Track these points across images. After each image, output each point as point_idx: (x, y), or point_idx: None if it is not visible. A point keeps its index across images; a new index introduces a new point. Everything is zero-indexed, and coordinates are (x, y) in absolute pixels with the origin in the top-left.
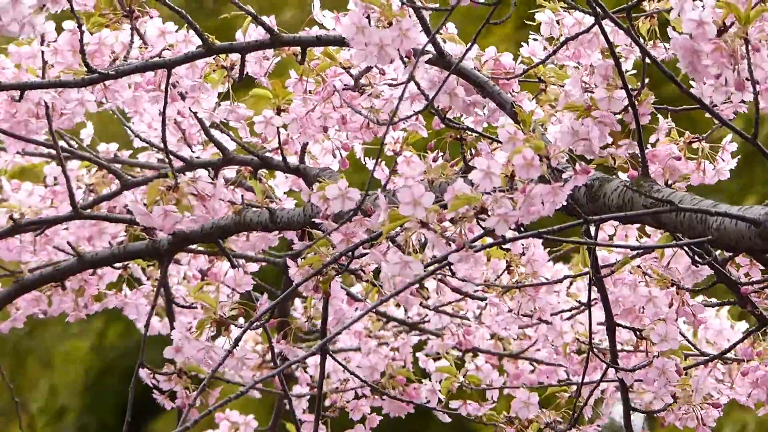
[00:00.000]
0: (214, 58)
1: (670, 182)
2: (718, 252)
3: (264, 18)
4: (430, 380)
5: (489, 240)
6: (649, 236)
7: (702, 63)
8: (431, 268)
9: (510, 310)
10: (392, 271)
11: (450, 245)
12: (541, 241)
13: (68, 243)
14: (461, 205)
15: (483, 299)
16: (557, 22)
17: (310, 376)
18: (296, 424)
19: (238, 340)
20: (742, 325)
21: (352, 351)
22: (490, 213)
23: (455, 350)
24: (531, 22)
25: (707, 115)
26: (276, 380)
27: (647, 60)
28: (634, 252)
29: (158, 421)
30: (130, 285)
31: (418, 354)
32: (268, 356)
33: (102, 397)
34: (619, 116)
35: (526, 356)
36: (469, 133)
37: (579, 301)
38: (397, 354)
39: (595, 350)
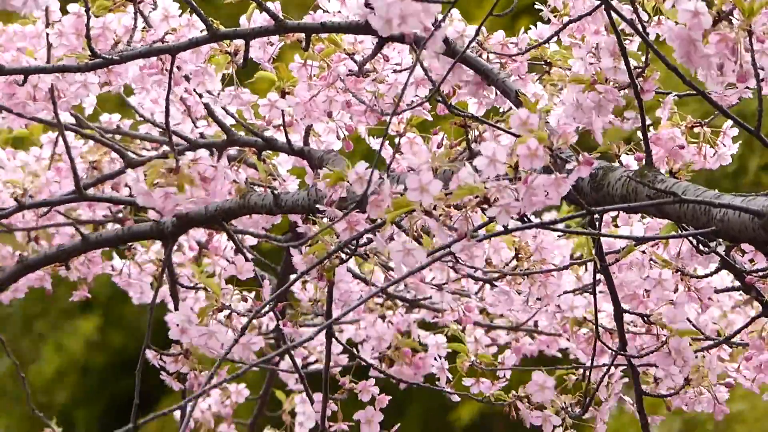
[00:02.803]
0: (218, 44)
1: (674, 171)
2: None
3: (269, 4)
4: (437, 358)
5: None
6: (651, 217)
7: (698, 53)
8: (434, 256)
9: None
10: (396, 258)
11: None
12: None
13: (73, 225)
14: (464, 195)
15: (485, 281)
16: None
17: (305, 347)
18: (310, 397)
19: (244, 328)
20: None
21: (349, 323)
22: (492, 203)
23: (455, 324)
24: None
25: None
26: (272, 352)
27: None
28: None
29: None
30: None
31: (419, 332)
32: (263, 329)
33: (91, 392)
34: (623, 92)
35: (525, 328)
36: (473, 120)
37: (584, 288)
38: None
39: (601, 335)
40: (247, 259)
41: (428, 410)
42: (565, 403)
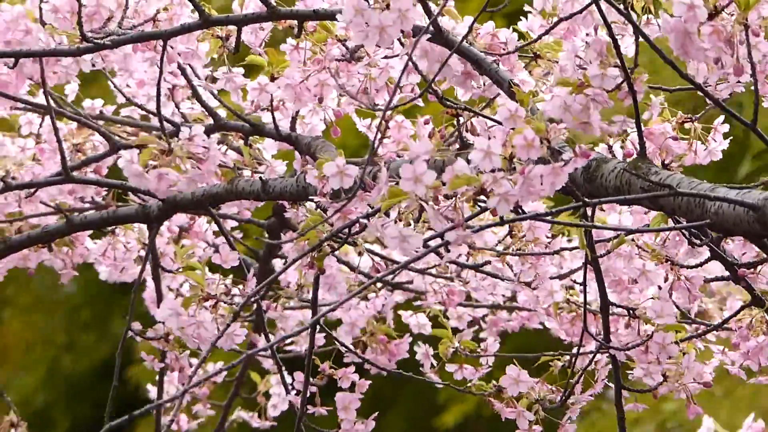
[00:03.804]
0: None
1: (666, 162)
2: None
3: None
4: (420, 344)
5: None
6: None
7: (694, 46)
8: (430, 245)
9: (500, 278)
10: (391, 246)
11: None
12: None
13: (57, 207)
14: (461, 185)
15: (470, 267)
16: None
17: (282, 330)
18: (285, 384)
19: (233, 319)
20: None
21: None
22: (490, 193)
23: (438, 305)
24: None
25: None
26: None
27: (640, 39)
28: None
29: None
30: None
31: (401, 312)
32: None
33: (76, 402)
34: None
35: (505, 305)
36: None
37: (569, 273)
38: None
39: (588, 327)
40: (232, 248)
41: (413, 411)
42: (539, 394)
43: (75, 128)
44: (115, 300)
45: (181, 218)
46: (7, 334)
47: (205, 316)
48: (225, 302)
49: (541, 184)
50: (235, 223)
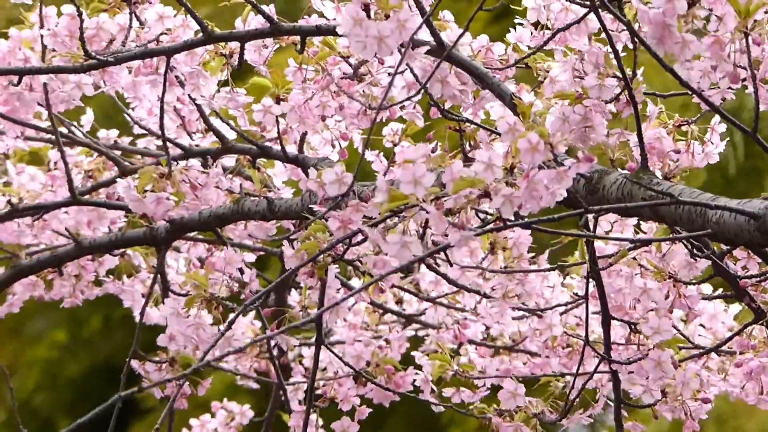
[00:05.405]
0: (213, 46)
1: (668, 174)
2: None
3: (263, 7)
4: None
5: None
6: (645, 233)
7: (672, 38)
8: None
9: (486, 295)
10: (391, 252)
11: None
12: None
13: (66, 229)
14: (464, 187)
15: (480, 293)
16: (544, 7)
17: (305, 368)
18: (288, 408)
19: (231, 322)
20: (736, 308)
21: (341, 343)
22: (493, 196)
23: (451, 344)
24: (517, 7)
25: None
26: (272, 370)
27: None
28: (632, 245)
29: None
30: (127, 271)
31: (413, 353)
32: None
33: (78, 399)
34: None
35: (521, 349)
36: (468, 124)
37: (576, 294)
38: (389, 346)
39: (590, 343)
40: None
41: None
42: (537, 408)
43: (93, 158)
44: (118, 301)
45: (199, 250)
46: (8, 334)
47: (205, 317)
48: (227, 305)
49: (546, 188)
50: (253, 258)
